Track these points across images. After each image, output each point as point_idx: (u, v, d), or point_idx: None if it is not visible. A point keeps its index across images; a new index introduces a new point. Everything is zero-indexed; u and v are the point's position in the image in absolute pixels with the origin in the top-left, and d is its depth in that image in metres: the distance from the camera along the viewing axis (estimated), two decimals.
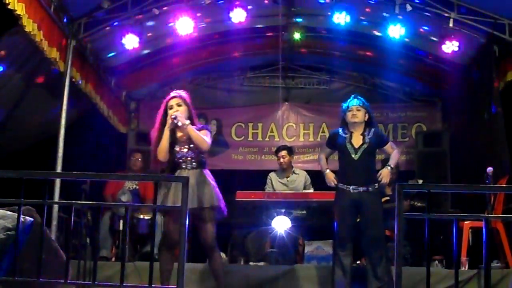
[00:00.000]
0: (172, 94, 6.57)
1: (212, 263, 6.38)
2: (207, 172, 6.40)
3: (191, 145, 6.32)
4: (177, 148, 6.35)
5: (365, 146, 7.04)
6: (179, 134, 6.40)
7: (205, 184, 6.27)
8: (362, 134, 7.12)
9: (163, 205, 6.02)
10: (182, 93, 6.59)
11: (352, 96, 7.35)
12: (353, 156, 7.03)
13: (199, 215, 6.21)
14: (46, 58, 8.37)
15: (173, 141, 6.36)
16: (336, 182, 7.14)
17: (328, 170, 7.26)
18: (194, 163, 6.32)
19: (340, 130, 7.28)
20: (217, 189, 6.35)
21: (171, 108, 6.41)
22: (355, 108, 7.15)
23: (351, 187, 6.98)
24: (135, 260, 8.33)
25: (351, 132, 7.15)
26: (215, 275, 6.40)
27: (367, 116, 7.21)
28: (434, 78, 11.64)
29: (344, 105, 7.26)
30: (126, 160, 10.26)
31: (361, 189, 6.94)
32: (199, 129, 6.36)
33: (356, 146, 7.06)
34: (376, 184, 7.04)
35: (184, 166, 6.32)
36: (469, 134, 10.40)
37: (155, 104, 12.40)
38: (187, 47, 10.60)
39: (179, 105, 6.42)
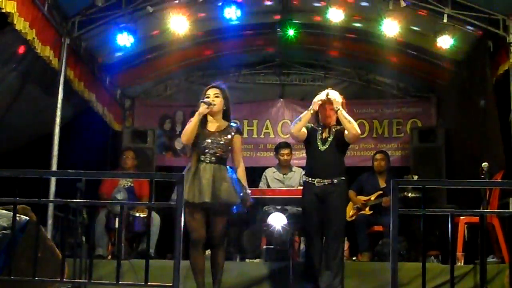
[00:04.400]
0: (213, 84, 6.60)
1: (214, 259, 6.37)
2: (228, 168, 6.40)
3: (214, 139, 6.34)
4: (200, 141, 6.34)
5: (332, 136, 7.01)
6: (206, 126, 6.42)
7: (223, 180, 6.25)
8: (330, 127, 7.08)
9: (158, 203, 6.01)
10: (222, 84, 6.61)
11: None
12: (320, 146, 7.01)
13: (213, 210, 6.22)
14: (40, 57, 8.35)
15: (199, 134, 6.36)
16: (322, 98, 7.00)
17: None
18: (213, 158, 6.29)
19: (314, 125, 7.26)
20: (237, 185, 6.36)
21: (208, 97, 6.43)
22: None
23: (315, 180, 6.96)
24: (131, 258, 8.32)
25: (323, 126, 7.11)
26: (213, 272, 6.37)
27: None
28: (429, 74, 11.65)
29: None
30: (120, 158, 10.24)
31: (325, 181, 6.89)
32: (234, 131, 6.47)
33: (324, 138, 7.04)
34: (343, 177, 6.99)
35: (202, 159, 6.29)
36: (464, 129, 10.41)
37: (150, 101, 12.59)
38: (181, 44, 10.61)
39: (216, 96, 6.45)
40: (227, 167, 6.45)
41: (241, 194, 6.38)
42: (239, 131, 6.53)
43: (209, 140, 6.33)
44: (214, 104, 6.38)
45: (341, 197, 7.01)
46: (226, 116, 6.54)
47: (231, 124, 6.52)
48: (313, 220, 6.98)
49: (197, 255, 6.26)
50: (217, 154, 6.32)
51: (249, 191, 6.49)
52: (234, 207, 6.43)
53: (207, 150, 6.31)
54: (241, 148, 6.61)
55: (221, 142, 6.34)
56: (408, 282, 7.29)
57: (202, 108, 6.33)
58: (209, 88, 6.52)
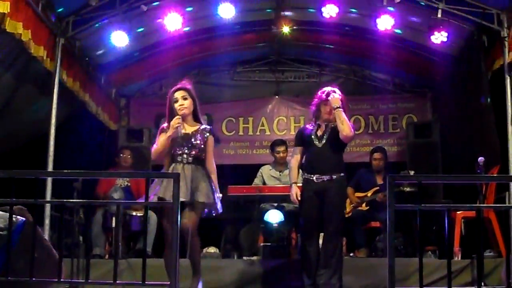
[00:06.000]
0: (178, 85, 6.44)
1: (191, 249, 6.14)
2: (205, 169, 6.30)
3: (188, 140, 6.26)
4: (175, 143, 6.25)
5: (328, 133, 7.00)
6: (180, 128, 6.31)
7: (202, 180, 6.17)
8: (328, 124, 7.09)
9: (154, 202, 5.98)
10: (188, 84, 6.47)
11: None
12: (316, 143, 7.01)
13: (189, 206, 6.09)
14: (35, 57, 8.34)
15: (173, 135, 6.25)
16: (299, 199, 7.13)
17: (294, 185, 7.21)
18: (190, 158, 6.21)
19: (308, 125, 7.28)
20: (214, 186, 6.27)
21: (176, 101, 6.31)
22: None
23: (314, 177, 6.94)
24: (128, 257, 8.32)
25: (319, 125, 7.12)
26: (192, 262, 6.20)
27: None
28: (424, 69, 11.65)
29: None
30: (116, 157, 10.21)
31: (324, 177, 6.88)
32: (207, 132, 6.38)
33: (320, 135, 7.04)
34: (342, 173, 6.99)
35: (180, 160, 6.22)
36: (460, 124, 10.42)
37: (145, 100, 12.60)
38: (176, 43, 10.59)
39: (184, 98, 6.33)
40: (206, 167, 6.35)
41: (216, 197, 6.28)
42: (212, 132, 6.44)
43: (183, 142, 6.25)
44: (180, 124, 6.23)
45: (340, 193, 7.00)
46: (195, 116, 6.46)
47: (204, 126, 6.44)
48: (311, 217, 6.98)
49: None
50: (193, 154, 6.24)
51: (220, 195, 6.37)
52: (206, 210, 6.35)
53: (182, 151, 6.24)
54: (212, 148, 6.43)
55: (196, 143, 6.26)
56: (405, 277, 7.28)
57: (170, 132, 6.20)
58: (176, 90, 6.38)
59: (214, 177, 6.37)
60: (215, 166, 6.43)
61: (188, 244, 6.20)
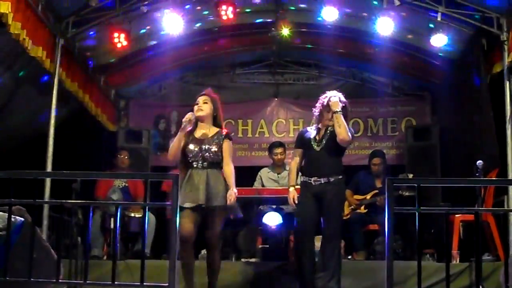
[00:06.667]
0: (204, 91, 6.67)
1: (210, 261, 6.36)
2: (221, 172, 6.39)
3: (203, 146, 6.35)
4: (190, 147, 6.35)
5: (327, 136, 6.99)
6: (195, 133, 6.44)
7: (218, 183, 6.27)
8: (327, 128, 7.07)
9: (153, 203, 6.00)
10: (213, 93, 6.67)
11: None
12: (315, 147, 6.99)
13: (208, 213, 6.23)
14: (34, 57, 8.33)
15: (187, 141, 6.39)
16: (296, 203, 7.12)
17: (292, 188, 7.18)
18: (205, 163, 6.31)
19: (309, 128, 7.28)
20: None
21: (197, 104, 6.50)
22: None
23: (312, 179, 6.93)
24: (126, 258, 8.32)
25: (319, 128, 7.12)
26: (209, 274, 6.38)
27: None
28: (423, 72, 11.65)
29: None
30: (114, 158, 10.20)
31: (322, 180, 6.87)
32: (223, 136, 6.48)
33: (319, 138, 7.04)
34: (340, 176, 6.97)
35: (195, 165, 6.32)
36: (459, 127, 10.41)
37: (145, 102, 12.58)
38: (175, 44, 10.58)
39: (205, 102, 6.51)
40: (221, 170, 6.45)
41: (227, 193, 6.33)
42: (228, 137, 6.52)
43: (199, 148, 6.34)
44: (190, 120, 6.37)
45: (338, 196, 6.97)
46: (216, 122, 6.57)
47: (222, 131, 6.54)
48: (306, 219, 6.96)
49: (185, 254, 6.18)
50: (209, 160, 6.33)
51: (235, 191, 6.35)
52: (233, 212, 6.46)
53: (198, 157, 6.32)
54: (229, 152, 6.50)
55: (212, 149, 6.35)
56: (403, 280, 7.29)
57: (184, 123, 6.34)
58: (199, 95, 6.59)
59: (231, 180, 6.38)
60: (232, 168, 6.45)
61: (208, 256, 6.45)
